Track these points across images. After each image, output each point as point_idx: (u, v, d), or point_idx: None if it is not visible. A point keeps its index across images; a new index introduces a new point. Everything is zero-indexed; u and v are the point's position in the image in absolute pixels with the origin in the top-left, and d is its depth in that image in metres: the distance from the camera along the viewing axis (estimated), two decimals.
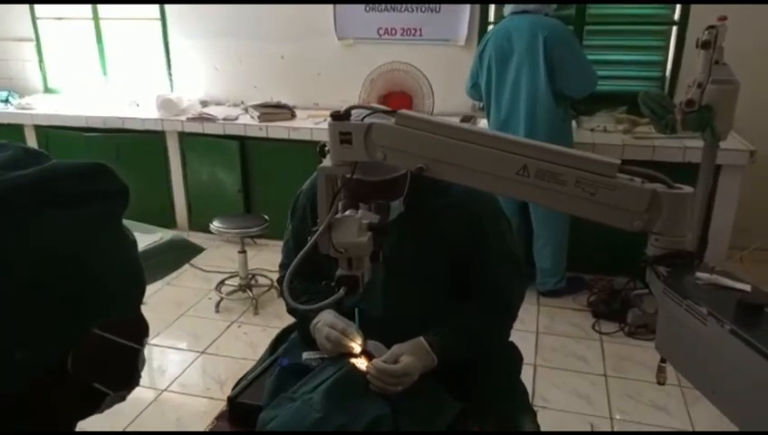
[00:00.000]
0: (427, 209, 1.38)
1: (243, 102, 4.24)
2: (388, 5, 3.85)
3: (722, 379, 0.77)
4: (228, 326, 3.09)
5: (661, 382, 1.06)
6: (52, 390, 0.57)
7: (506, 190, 0.99)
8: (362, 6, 3.90)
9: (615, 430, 2.37)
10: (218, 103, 4.34)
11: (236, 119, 3.91)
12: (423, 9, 3.81)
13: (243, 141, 3.83)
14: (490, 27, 3.72)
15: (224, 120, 3.89)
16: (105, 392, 0.62)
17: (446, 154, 1.00)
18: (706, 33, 2.61)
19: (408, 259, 1.38)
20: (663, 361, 1.03)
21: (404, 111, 1.03)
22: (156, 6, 4.33)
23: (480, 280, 1.43)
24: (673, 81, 3.62)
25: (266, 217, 3.28)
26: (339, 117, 1.07)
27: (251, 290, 3.28)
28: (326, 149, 1.15)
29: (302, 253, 1.09)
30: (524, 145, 0.97)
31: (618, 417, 2.42)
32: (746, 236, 3.41)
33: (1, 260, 0.53)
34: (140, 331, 0.66)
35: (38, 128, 4.28)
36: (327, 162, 1.12)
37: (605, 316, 3.10)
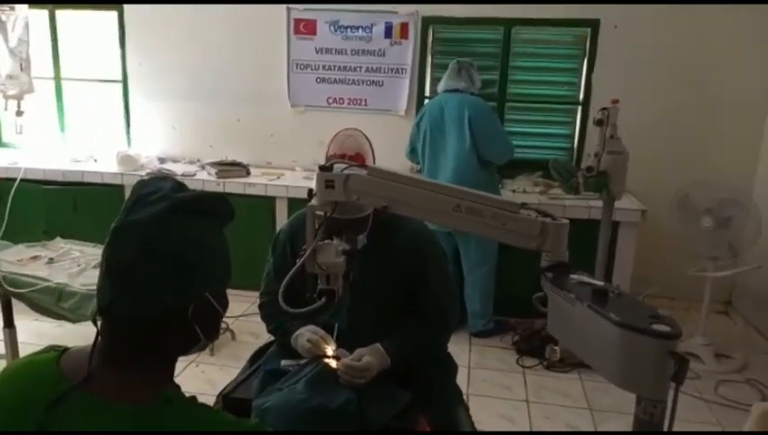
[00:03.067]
0: (384, 245, 1.77)
1: (199, 160, 4.56)
2: (338, 78, 4.34)
3: (586, 341, 1.18)
4: (186, 366, 3.30)
5: (555, 359, 1.45)
6: (175, 325, 0.91)
7: (446, 221, 1.40)
8: (314, 77, 4.37)
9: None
10: (175, 160, 4.63)
11: (194, 175, 4.22)
12: (368, 83, 4.32)
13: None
14: (426, 101, 4.27)
15: (182, 175, 4.18)
16: (199, 338, 0.95)
17: (404, 196, 1.40)
18: (600, 113, 3.23)
19: (367, 284, 1.75)
20: (555, 343, 1.43)
21: (373, 165, 1.44)
22: (119, 69, 4.63)
23: (423, 302, 1.82)
24: (579, 150, 4.25)
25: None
26: (325, 168, 1.45)
27: None
28: (313, 192, 1.53)
29: (292, 271, 1.44)
30: (458, 190, 1.39)
31: None
32: (644, 283, 3.98)
33: (176, 241, 0.88)
34: (226, 303, 1.00)
35: None
36: (314, 202, 1.49)
37: (527, 353, 3.52)
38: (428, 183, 1.41)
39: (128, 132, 4.75)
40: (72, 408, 0.84)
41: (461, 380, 3.18)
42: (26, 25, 3.31)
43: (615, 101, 3.27)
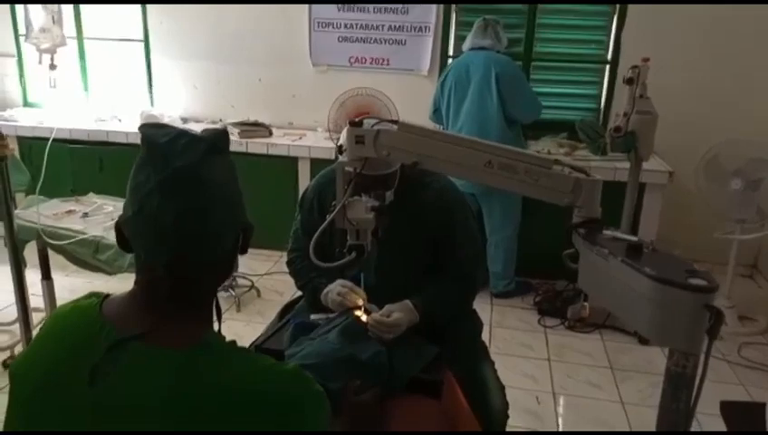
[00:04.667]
0: (412, 202, 1.77)
1: (221, 120, 4.57)
2: (360, 37, 4.28)
3: (620, 296, 1.18)
4: (213, 322, 3.37)
5: (584, 316, 1.46)
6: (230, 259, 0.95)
7: (477, 178, 1.39)
8: (336, 36, 4.32)
9: (559, 402, 2.79)
10: (197, 121, 4.65)
11: None
12: (390, 42, 4.26)
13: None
14: (449, 60, 4.20)
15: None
16: (231, 269, 1.00)
17: (435, 151, 1.40)
18: (630, 71, 3.15)
19: (395, 241, 1.76)
20: (586, 300, 1.44)
21: (404, 121, 1.43)
22: (140, 28, 4.62)
23: (450, 259, 1.82)
24: (606, 111, 4.17)
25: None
26: (355, 124, 1.45)
27: (233, 290, 3.58)
28: (342, 148, 1.53)
29: (322, 226, 1.46)
30: (490, 146, 1.38)
31: (558, 392, 2.85)
32: (669, 245, 3.94)
33: (223, 176, 0.92)
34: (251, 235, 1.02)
35: (21, 139, 4.46)
36: (343, 158, 1.49)
37: (549, 313, 3.55)
38: (460, 138, 1.40)
39: (150, 92, 4.77)
40: (122, 352, 0.87)
41: (483, 337, 3.24)
42: None
43: (646, 60, 3.19)
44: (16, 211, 2.25)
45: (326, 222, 1.46)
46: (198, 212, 0.89)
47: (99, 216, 2.39)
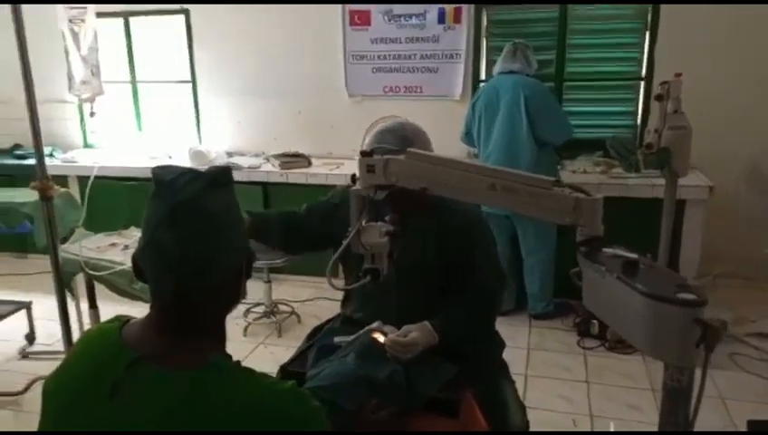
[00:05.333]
0: (434, 225, 1.83)
1: (264, 153, 4.77)
2: (393, 67, 4.41)
3: (617, 312, 1.20)
4: (255, 347, 3.50)
5: (593, 333, 1.48)
6: (234, 284, 1.05)
7: (482, 200, 1.45)
8: (370, 67, 4.47)
9: (596, 425, 2.74)
10: (241, 154, 4.86)
11: (259, 167, 4.42)
12: (423, 70, 4.37)
13: (266, 187, 4.32)
14: (481, 84, 4.27)
15: (248, 168, 4.39)
16: (239, 295, 1.08)
17: (441, 177, 1.46)
18: (660, 87, 3.13)
19: (416, 263, 1.82)
20: (593, 318, 1.46)
21: (411, 149, 1.51)
22: (187, 69, 4.91)
23: (470, 281, 1.87)
24: (643, 127, 4.11)
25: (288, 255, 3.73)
26: (366, 154, 1.53)
27: (275, 316, 3.70)
28: (356, 177, 1.61)
29: (338, 251, 1.54)
30: (492, 170, 1.43)
31: (596, 414, 2.80)
32: (716, 264, 3.82)
33: (225, 205, 1.02)
34: (254, 260, 1.13)
35: (81, 178, 4.78)
36: (357, 187, 1.58)
37: (588, 335, 3.49)
38: (463, 164, 1.46)
39: (198, 129, 5.03)
40: (136, 373, 0.96)
41: (520, 361, 3.23)
42: (95, 35, 3.58)
43: (678, 75, 3.16)
44: (62, 245, 2.45)
45: (341, 248, 1.55)
46: (199, 240, 0.99)
47: None
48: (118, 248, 2.59)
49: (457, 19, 4.21)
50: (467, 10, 4.19)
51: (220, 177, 1.04)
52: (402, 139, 1.84)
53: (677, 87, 3.15)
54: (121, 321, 1.07)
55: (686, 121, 3.16)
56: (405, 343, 1.67)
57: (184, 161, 4.57)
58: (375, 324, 1.76)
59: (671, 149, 3.13)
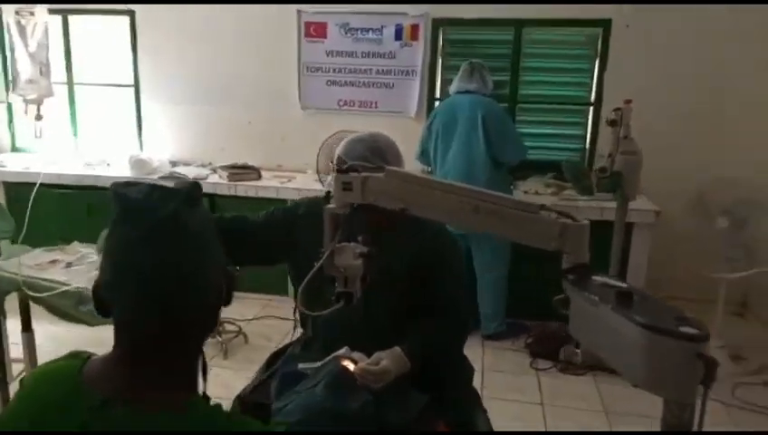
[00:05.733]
0: (404, 240, 1.76)
1: (210, 163, 4.58)
2: (348, 80, 4.34)
3: (611, 344, 1.16)
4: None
5: (577, 362, 1.44)
6: (213, 311, 0.94)
7: (464, 224, 1.39)
8: (324, 80, 4.38)
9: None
10: (186, 164, 4.65)
11: (206, 178, 4.23)
12: (378, 85, 4.33)
13: (213, 199, 4.13)
14: (437, 103, 4.27)
15: (194, 178, 4.20)
16: (215, 324, 0.98)
17: (422, 198, 1.39)
18: (613, 113, 3.21)
19: (384, 281, 1.73)
20: (576, 346, 1.42)
21: (391, 167, 1.43)
22: (131, 74, 4.66)
23: (440, 303, 1.80)
24: (591, 151, 4.22)
25: (238, 268, 3.56)
26: (343, 171, 1.45)
27: (220, 336, 3.51)
28: (330, 195, 1.52)
29: (311, 273, 1.44)
30: (477, 192, 1.37)
31: None
32: (658, 285, 3.93)
33: (203, 225, 0.91)
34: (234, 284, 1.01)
35: (8, 184, 4.44)
36: (331, 205, 1.48)
37: (541, 355, 3.50)
38: (447, 185, 1.40)
39: (140, 136, 4.78)
40: (105, 418, 0.83)
41: (474, 382, 3.19)
42: (46, 30, 3.33)
43: (628, 102, 3.25)
44: None
45: (314, 269, 1.45)
46: (178, 263, 0.87)
47: (83, 266, 2.34)
48: (59, 266, 2.35)
49: (414, 36, 4.20)
50: (424, 28, 4.19)
51: (193, 192, 0.94)
52: (374, 150, 1.76)
53: (628, 113, 3.24)
54: (81, 358, 0.93)
55: (637, 147, 3.25)
56: (377, 371, 1.59)
57: (123, 169, 4.33)
58: (342, 351, 1.66)
59: (623, 173, 3.21)
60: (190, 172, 4.32)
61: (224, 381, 3.17)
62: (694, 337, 1.00)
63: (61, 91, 4.78)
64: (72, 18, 4.67)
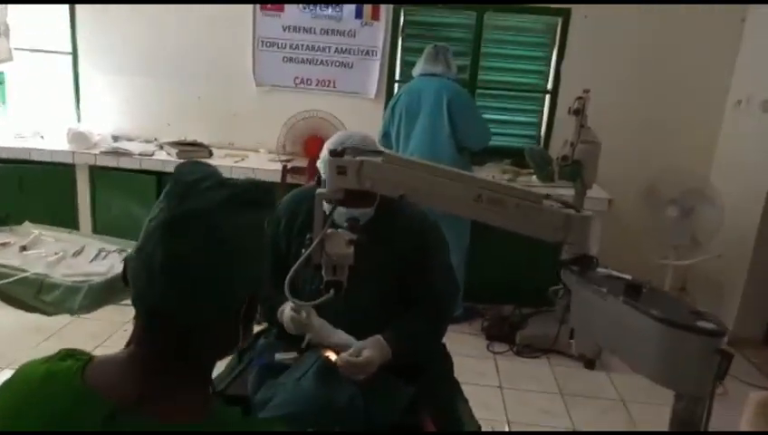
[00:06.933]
0: (385, 227, 1.70)
1: (156, 139, 4.33)
2: (306, 58, 4.20)
3: (620, 337, 1.16)
4: None
5: (572, 354, 1.44)
6: (228, 326, 0.83)
7: (465, 212, 1.35)
8: (280, 56, 4.22)
9: (510, 430, 2.77)
10: (129, 139, 4.38)
11: (153, 154, 4.01)
12: (337, 64, 4.21)
13: (160, 177, 3.91)
14: (396, 85, 4.20)
15: (140, 155, 3.96)
16: (238, 340, 0.86)
17: (422, 184, 1.34)
18: (577, 102, 3.24)
19: (367, 267, 1.67)
20: (571, 337, 1.41)
21: (389, 151, 1.36)
22: (68, 40, 4.33)
23: (423, 289, 1.76)
24: (547, 139, 4.28)
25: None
26: (337, 154, 1.37)
27: None
28: (322, 179, 1.44)
29: (298, 262, 1.36)
30: (479, 180, 1.33)
31: (513, 420, 2.84)
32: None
33: (240, 232, 0.80)
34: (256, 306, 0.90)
35: None
36: (323, 189, 1.40)
37: (497, 338, 3.55)
38: (448, 172, 1.35)
39: (77, 107, 4.46)
40: (119, 429, 0.74)
41: None
42: None
43: (586, 91, 3.30)
44: None
45: (303, 256, 1.37)
46: (197, 259, 0.78)
47: (39, 249, 2.12)
48: (13, 249, 2.10)
49: (375, 16, 4.10)
50: (386, 8, 4.09)
51: (250, 193, 0.83)
52: (367, 143, 1.67)
53: (588, 103, 3.29)
54: (81, 359, 0.81)
55: (595, 136, 3.31)
56: (360, 362, 1.53)
57: (60, 143, 4.03)
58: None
59: (583, 161, 3.27)
60: (135, 148, 4.07)
61: None
62: (713, 332, 1.00)
63: None
64: None
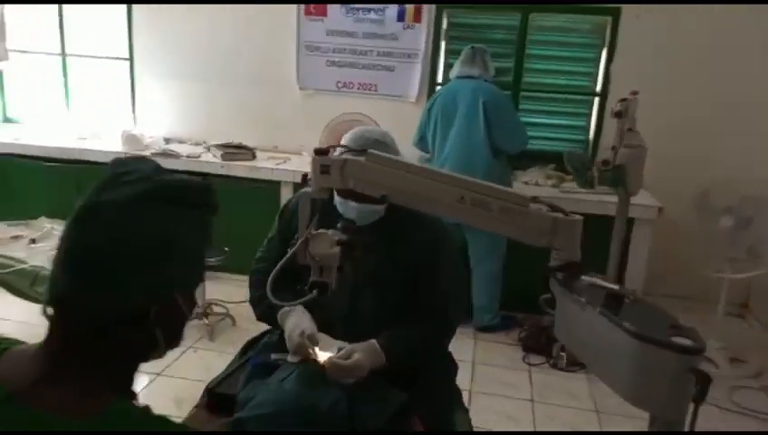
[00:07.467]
0: (397, 232, 1.67)
1: (205, 142, 4.47)
2: (348, 61, 4.22)
3: (596, 350, 1.07)
4: (184, 351, 3.23)
5: (561, 368, 1.35)
6: (135, 326, 0.82)
7: (449, 214, 1.29)
8: (323, 61, 4.26)
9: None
10: (180, 141, 4.54)
11: (199, 157, 4.14)
12: (379, 67, 4.20)
13: (205, 178, 4.01)
14: (438, 87, 4.14)
15: (187, 157, 4.10)
16: (159, 343, 0.85)
17: (405, 184, 1.30)
18: (619, 104, 3.09)
19: (375, 270, 1.65)
20: (563, 349, 1.33)
21: (372, 151, 1.33)
22: (125, 46, 4.55)
23: (428, 298, 1.70)
24: (595, 143, 4.11)
25: (226, 249, 3.48)
26: (321, 152, 1.35)
27: (207, 318, 3.44)
28: (308, 178, 1.42)
29: (281, 262, 1.35)
30: (463, 180, 1.28)
31: None
32: (658, 283, 3.84)
33: (152, 229, 0.79)
34: (193, 305, 0.90)
35: None
36: (308, 188, 1.39)
37: (534, 350, 3.42)
38: (431, 172, 1.31)
39: (134, 111, 4.68)
40: (7, 419, 0.74)
41: (464, 376, 3.12)
42: None
43: (635, 93, 3.14)
44: None
45: (285, 257, 1.36)
46: (92, 251, 0.78)
47: (46, 242, 2.23)
48: (22, 242, 2.23)
49: (417, 18, 4.07)
50: (428, 10, 4.06)
51: (170, 191, 0.82)
52: (379, 143, 1.65)
53: (634, 105, 3.12)
54: (1, 346, 0.83)
55: (641, 141, 3.14)
56: (347, 366, 1.50)
57: (115, 144, 4.23)
58: (316, 352, 1.57)
59: (626, 167, 3.10)
60: (183, 150, 4.22)
61: (207, 364, 3.09)
62: (687, 349, 0.90)
63: (54, 63, 4.70)
64: None
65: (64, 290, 0.78)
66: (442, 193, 1.28)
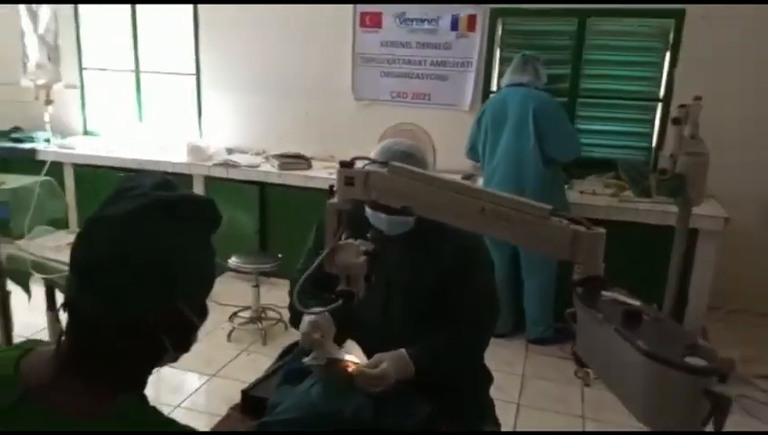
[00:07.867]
0: (430, 244, 1.68)
1: (265, 152, 4.63)
2: (402, 72, 4.26)
3: (611, 367, 1.04)
4: (238, 354, 3.35)
5: (587, 384, 1.32)
6: (140, 334, 0.87)
7: (470, 225, 1.29)
8: (378, 71, 4.32)
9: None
10: (242, 152, 4.72)
11: (258, 166, 4.29)
12: (432, 77, 4.22)
13: (263, 187, 4.18)
14: (492, 95, 4.11)
15: (247, 166, 4.26)
16: (167, 348, 0.90)
17: (425, 196, 1.31)
18: (678, 111, 2.95)
19: (407, 280, 1.67)
20: (585, 365, 1.29)
21: (394, 163, 1.35)
22: (192, 62, 4.79)
23: (459, 309, 1.70)
24: (658, 151, 3.94)
25: (280, 255, 3.59)
26: (345, 165, 1.38)
27: (261, 322, 3.55)
28: (334, 189, 1.46)
29: (309, 270, 1.39)
30: (484, 192, 1.27)
31: None
32: (726, 298, 3.63)
33: (151, 243, 0.84)
34: (204, 314, 0.95)
35: (76, 166, 4.66)
36: (334, 199, 1.42)
37: (587, 364, 3.30)
38: (452, 183, 1.31)
39: (200, 123, 4.91)
40: (23, 417, 0.81)
41: (513, 389, 3.07)
42: (54, 15, 3.38)
43: (698, 98, 2.99)
44: (18, 241, 2.31)
45: (312, 266, 1.39)
46: (93, 263, 0.84)
47: None
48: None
49: (471, 27, 4.06)
50: (482, 18, 4.04)
51: (175, 207, 0.87)
52: (409, 156, 1.66)
53: (696, 111, 2.97)
54: (24, 348, 0.91)
55: (705, 148, 2.98)
56: (375, 374, 1.52)
57: (182, 156, 4.45)
58: (345, 347, 1.60)
59: (686, 176, 2.96)
60: (244, 160, 4.39)
61: (258, 367, 3.17)
62: (699, 370, 0.86)
63: (128, 79, 5.01)
64: (138, 7, 4.84)
65: (73, 296, 0.85)
66: (463, 205, 1.28)
